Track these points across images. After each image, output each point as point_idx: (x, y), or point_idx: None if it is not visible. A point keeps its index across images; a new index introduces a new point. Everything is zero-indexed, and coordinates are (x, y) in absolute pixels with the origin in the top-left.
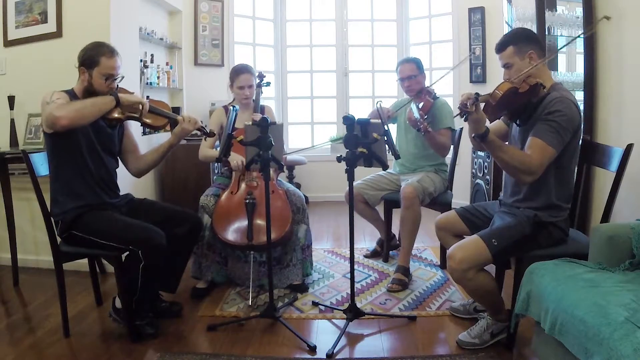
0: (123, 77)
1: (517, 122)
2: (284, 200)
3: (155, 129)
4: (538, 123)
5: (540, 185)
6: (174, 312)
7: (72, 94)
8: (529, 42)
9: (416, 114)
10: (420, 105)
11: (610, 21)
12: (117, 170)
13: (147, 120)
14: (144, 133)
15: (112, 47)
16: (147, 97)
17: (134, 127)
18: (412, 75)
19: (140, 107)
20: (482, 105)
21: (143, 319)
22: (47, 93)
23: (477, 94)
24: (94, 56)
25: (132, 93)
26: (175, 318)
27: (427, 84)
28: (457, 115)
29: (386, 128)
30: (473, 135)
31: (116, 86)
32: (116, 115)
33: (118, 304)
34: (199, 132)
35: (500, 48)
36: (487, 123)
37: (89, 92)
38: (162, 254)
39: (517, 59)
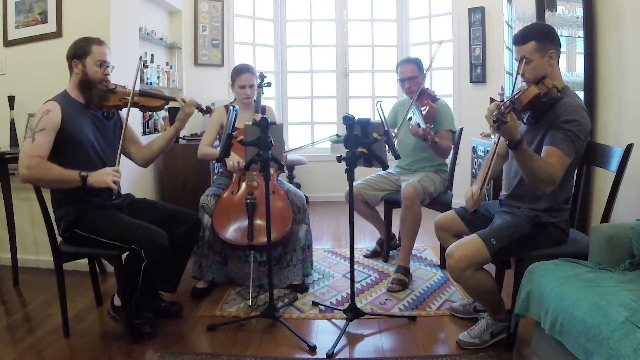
0: (114, 67)
1: (524, 120)
2: (285, 201)
3: (153, 110)
4: (553, 131)
5: None
6: (174, 312)
7: (65, 98)
8: (551, 41)
9: (422, 124)
10: (424, 111)
11: (610, 21)
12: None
13: (143, 104)
14: (144, 133)
15: (99, 38)
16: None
17: (135, 126)
18: (412, 76)
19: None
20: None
21: (142, 319)
22: (39, 110)
23: (512, 102)
24: (85, 46)
25: (124, 86)
26: (175, 318)
27: (427, 84)
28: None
29: (386, 128)
30: (507, 142)
31: (109, 73)
32: (111, 103)
33: (117, 302)
34: (196, 110)
35: (522, 41)
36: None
37: (85, 82)
38: (164, 254)
39: (537, 56)
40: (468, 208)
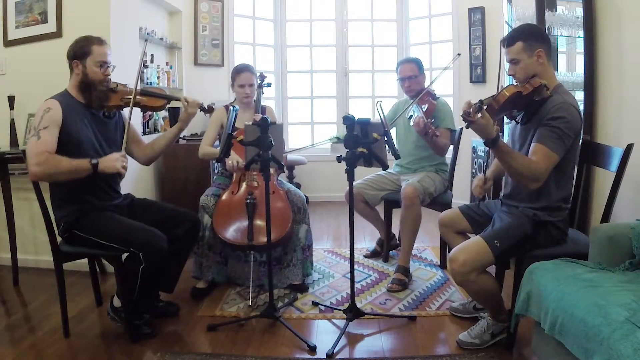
0: (115, 67)
1: (517, 120)
2: (285, 201)
3: (154, 110)
4: (541, 128)
5: (541, 189)
6: (170, 313)
7: (65, 96)
8: (538, 40)
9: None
10: (425, 108)
11: (610, 21)
12: None
13: (145, 104)
14: (144, 133)
15: (100, 37)
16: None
17: (136, 126)
18: (412, 75)
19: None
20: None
21: (141, 320)
22: (39, 108)
23: (480, 101)
24: (85, 46)
25: (125, 84)
26: (174, 318)
27: (426, 84)
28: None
29: (386, 128)
30: (484, 141)
31: (110, 74)
32: (112, 103)
33: (116, 303)
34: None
35: (509, 42)
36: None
37: (85, 83)
38: (163, 257)
39: (525, 56)
40: (475, 195)
